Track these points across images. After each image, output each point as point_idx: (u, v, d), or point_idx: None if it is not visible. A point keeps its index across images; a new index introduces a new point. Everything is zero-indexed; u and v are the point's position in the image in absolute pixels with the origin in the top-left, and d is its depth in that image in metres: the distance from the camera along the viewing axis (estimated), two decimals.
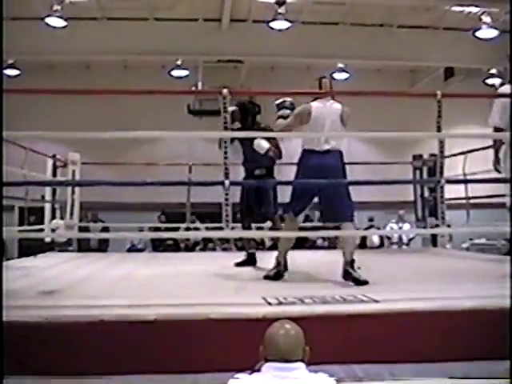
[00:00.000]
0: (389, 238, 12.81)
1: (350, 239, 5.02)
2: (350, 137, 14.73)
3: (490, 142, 5.68)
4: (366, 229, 12.90)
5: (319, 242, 12.80)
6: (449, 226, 8.69)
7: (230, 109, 4.96)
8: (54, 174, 8.28)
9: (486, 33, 12.21)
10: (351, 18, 13.33)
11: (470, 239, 13.39)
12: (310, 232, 8.47)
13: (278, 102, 5.46)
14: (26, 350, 3.27)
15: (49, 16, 11.15)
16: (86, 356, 3.30)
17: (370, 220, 13.45)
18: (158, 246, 12.11)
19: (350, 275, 4.72)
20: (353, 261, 4.80)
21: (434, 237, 8.93)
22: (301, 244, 11.49)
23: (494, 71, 15.41)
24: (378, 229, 12.87)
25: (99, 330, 3.36)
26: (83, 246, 11.52)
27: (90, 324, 3.36)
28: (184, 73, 14.95)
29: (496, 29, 12.12)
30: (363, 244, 13.04)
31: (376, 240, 13.04)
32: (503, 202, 5.94)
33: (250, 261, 6.39)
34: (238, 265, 6.35)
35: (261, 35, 12.64)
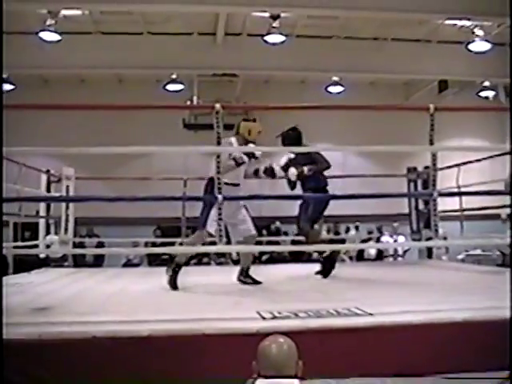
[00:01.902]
0: (382, 252, 12.83)
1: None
2: (346, 150, 14.92)
3: (485, 155, 5.71)
4: (364, 241, 12.91)
5: (315, 255, 12.78)
6: (445, 238, 8.73)
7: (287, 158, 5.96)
8: (48, 190, 8.27)
9: (479, 46, 12.29)
10: (345, 32, 13.39)
11: (466, 251, 13.39)
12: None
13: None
14: (18, 368, 3.24)
15: (43, 30, 11.17)
16: (79, 373, 3.28)
17: (370, 233, 13.44)
18: (154, 260, 12.07)
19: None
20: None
21: (429, 249, 8.94)
22: (297, 257, 11.52)
23: (487, 84, 15.51)
24: (378, 240, 12.86)
25: (92, 346, 3.34)
26: (79, 261, 11.49)
27: (82, 341, 3.35)
28: (179, 87, 15.00)
29: (489, 42, 12.21)
30: (361, 256, 13.07)
31: (373, 252, 13.05)
32: (497, 214, 5.98)
33: None
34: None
35: (255, 49, 12.69)
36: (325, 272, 6.41)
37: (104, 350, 3.34)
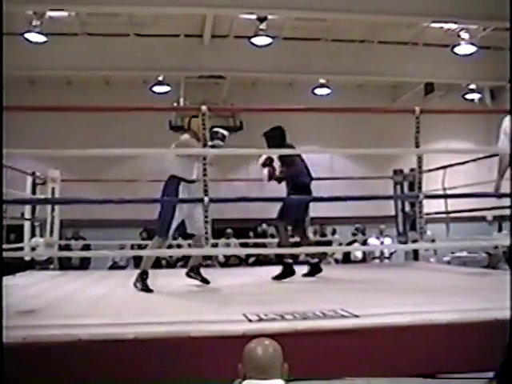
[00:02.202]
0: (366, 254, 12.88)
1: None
2: (332, 153, 14.96)
3: (471, 157, 5.76)
4: (350, 243, 12.93)
5: (301, 257, 12.79)
6: (433, 240, 8.77)
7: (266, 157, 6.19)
8: (34, 192, 8.22)
9: (465, 49, 12.39)
10: (332, 34, 13.44)
11: (452, 252, 13.46)
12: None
13: (213, 130, 5.55)
14: (4, 372, 3.22)
15: (28, 31, 11.11)
16: (65, 376, 3.26)
17: (354, 234, 13.46)
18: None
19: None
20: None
21: (415, 251, 8.96)
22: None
23: (473, 86, 15.61)
24: (363, 243, 12.88)
25: (78, 349, 3.32)
26: (64, 264, 11.40)
27: (67, 343, 3.32)
28: (166, 89, 14.98)
29: (474, 45, 12.30)
30: (347, 258, 13.08)
31: (359, 254, 13.07)
32: (483, 216, 6.01)
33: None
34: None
35: (242, 51, 12.71)
36: (311, 273, 6.47)
37: (90, 353, 3.32)
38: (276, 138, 6.53)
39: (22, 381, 3.23)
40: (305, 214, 6.81)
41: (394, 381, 3.41)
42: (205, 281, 5.96)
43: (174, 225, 5.62)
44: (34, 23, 10.93)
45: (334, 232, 14.21)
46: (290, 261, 6.36)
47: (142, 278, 5.63)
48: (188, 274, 6.05)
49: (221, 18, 12.34)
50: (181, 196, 5.58)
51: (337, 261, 12.97)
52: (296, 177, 6.51)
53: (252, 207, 13.22)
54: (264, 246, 11.39)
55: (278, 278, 6.27)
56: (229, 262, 12.08)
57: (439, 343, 3.57)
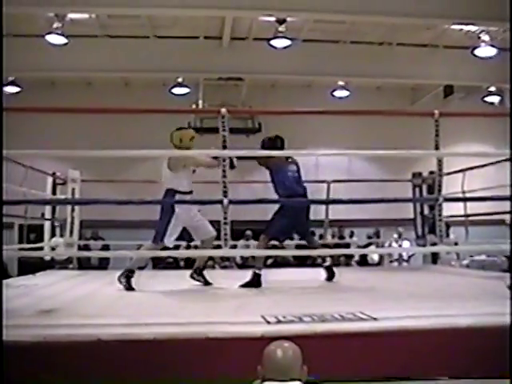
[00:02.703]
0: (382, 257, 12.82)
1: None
2: (350, 155, 14.90)
3: (490, 160, 5.71)
4: (365, 246, 12.89)
5: (319, 260, 12.77)
6: (456, 243, 8.71)
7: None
8: (54, 192, 8.28)
9: (485, 51, 12.31)
10: (352, 36, 13.41)
11: (470, 256, 13.35)
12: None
13: None
14: (23, 370, 3.25)
15: (50, 33, 11.21)
16: (84, 375, 3.29)
17: (369, 237, 13.41)
18: (158, 263, 12.09)
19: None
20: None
21: (434, 254, 8.91)
22: (302, 262, 11.52)
23: (493, 89, 15.49)
24: (381, 246, 12.83)
25: (97, 349, 3.35)
26: (84, 264, 11.49)
27: (88, 343, 3.35)
28: (185, 90, 15.04)
29: (494, 47, 12.22)
30: (364, 261, 13.03)
31: (375, 257, 13.02)
32: (502, 219, 5.97)
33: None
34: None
35: (261, 53, 12.71)
36: (328, 277, 6.43)
37: (109, 352, 3.35)
38: (267, 148, 6.31)
39: (41, 380, 3.26)
40: (304, 223, 6.50)
41: None
42: (207, 283, 6.10)
43: (170, 232, 5.80)
44: (55, 25, 11.02)
45: (351, 234, 14.17)
46: (261, 272, 6.06)
47: (128, 275, 5.82)
48: (192, 276, 6.16)
49: (240, 20, 12.35)
50: (177, 207, 5.73)
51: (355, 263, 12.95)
52: (279, 193, 6.35)
53: (270, 209, 13.22)
54: (282, 247, 11.38)
55: (244, 285, 5.99)
56: (246, 264, 12.10)
57: (458, 347, 3.55)
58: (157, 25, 12.68)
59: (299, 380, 2.45)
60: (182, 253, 8.45)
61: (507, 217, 6.83)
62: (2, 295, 3.48)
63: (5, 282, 6.80)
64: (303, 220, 6.34)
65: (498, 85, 14.98)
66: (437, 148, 4.66)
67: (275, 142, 6.35)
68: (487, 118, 15.10)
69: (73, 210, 8.09)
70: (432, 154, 5.39)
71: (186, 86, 15.01)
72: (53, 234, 8.20)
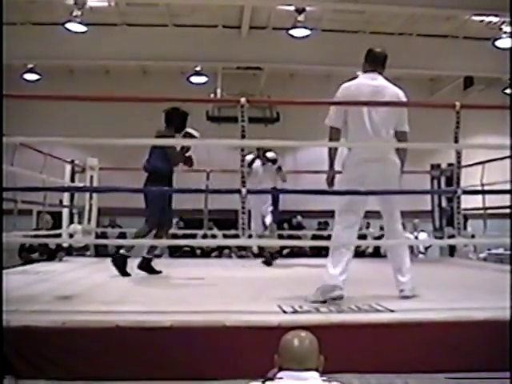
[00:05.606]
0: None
1: None
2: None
3: (508, 153, 5.66)
4: (378, 238, 12.83)
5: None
6: (473, 236, 8.66)
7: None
8: (73, 179, 8.34)
9: (506, 42, 12.16)
10: (371, 27, 13.31)
11: (488, 249, 13.29)
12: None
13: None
14: (42, 355, 3.29)
15: (69, 21, 11.23)
16: (101, 361, 3.33)
17: (382, 229, 13.31)
18: (175, 251, 12.14)
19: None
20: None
21: (451, 247, 8.87)
22: (318, 252, 11.50)
23: None
24: None
25: (115, 335, 3.38)
26: (100, 251, 11.59)
27: (105, 330, 3.39)
28: (203, 79, 15.02)
29: None
30: (377, 252, 12.98)
31: None
32: None
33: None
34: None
35: (280, 42, 12.66)
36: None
37: (127, 339, 3.38)
38: (175, 120, 6.68)
39: (59, 365, 3.30)
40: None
41: (430, 378, 3.40)
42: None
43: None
44: (74, 13, 11.03)
45: (368, 226, 14.13)
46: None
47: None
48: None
49: (259, 9, 12.30)
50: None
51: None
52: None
53: (287, 199, 13.21)
54: (298, 237, 11.38)
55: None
56: (263, 253, 12.14)
57: (474, 340, 3.55)
58: (175, 13, 12.66)
59: (316, 370, 2.46)
60: (201, 242, 8.49)
61: None
62: (2, 284, 3.51)
63: (23, 268, 6.91)
64: None
65: None
66: (456, 140, 4.62)
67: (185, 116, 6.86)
68: (505, 109, 14.96)
69: (91, 198, 8.14)
70: (451, 146, 5.36)
71: (204, 75, 14.99)
72: (71, 221, 8.27)
